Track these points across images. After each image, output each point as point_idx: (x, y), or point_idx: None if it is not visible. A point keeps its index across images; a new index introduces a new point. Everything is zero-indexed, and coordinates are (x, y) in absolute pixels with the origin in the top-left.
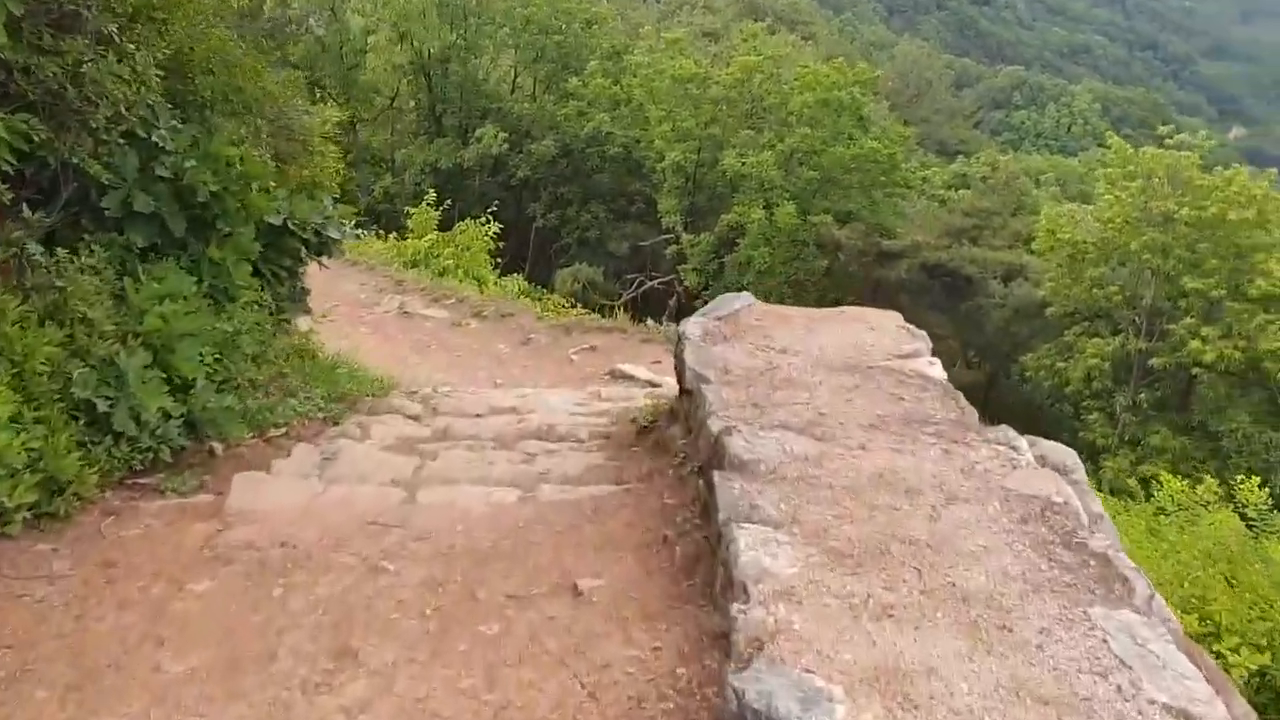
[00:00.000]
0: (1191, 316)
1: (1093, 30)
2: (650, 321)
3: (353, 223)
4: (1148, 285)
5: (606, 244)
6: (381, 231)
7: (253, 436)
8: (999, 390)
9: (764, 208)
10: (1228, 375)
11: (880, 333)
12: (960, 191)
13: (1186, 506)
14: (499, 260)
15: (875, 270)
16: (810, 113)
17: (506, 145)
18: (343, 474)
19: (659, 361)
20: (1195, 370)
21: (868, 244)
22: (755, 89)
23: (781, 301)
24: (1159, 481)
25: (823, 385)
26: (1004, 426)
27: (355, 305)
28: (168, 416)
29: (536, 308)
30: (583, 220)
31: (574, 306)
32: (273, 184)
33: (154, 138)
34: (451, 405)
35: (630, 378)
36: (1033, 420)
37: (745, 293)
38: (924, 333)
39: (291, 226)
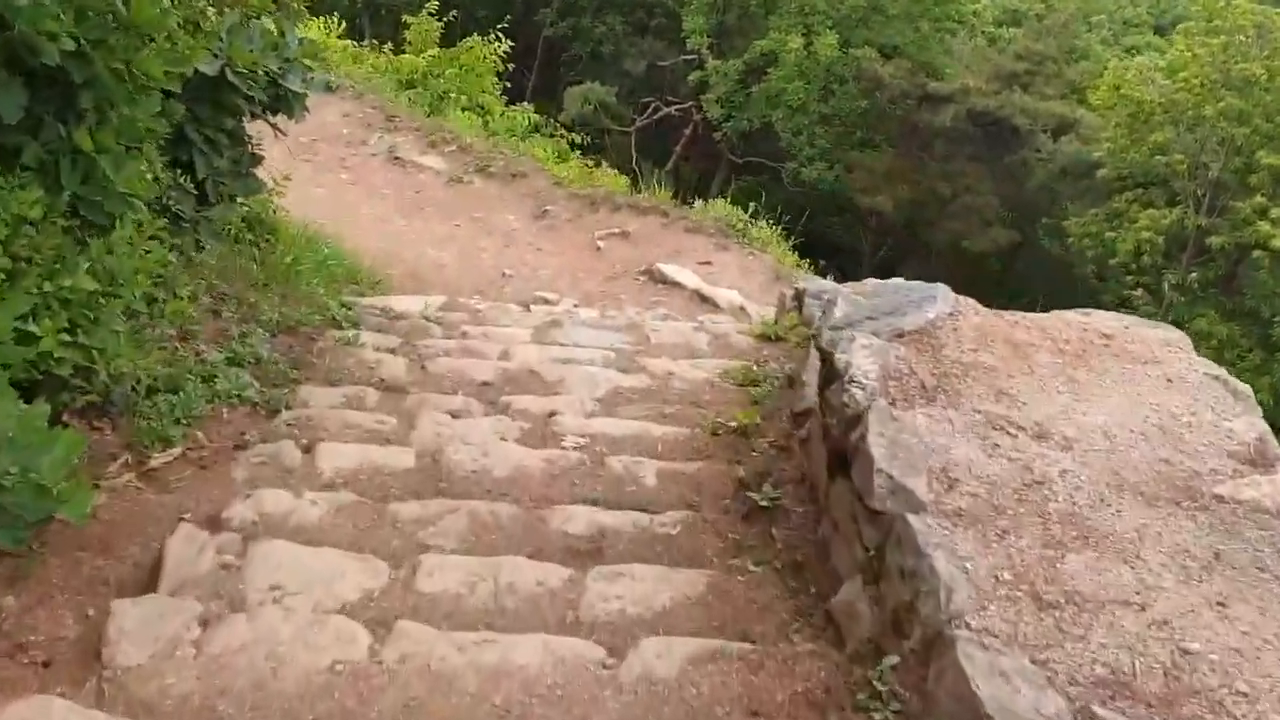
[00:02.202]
0: (1262, 195)
1: None
2: (698, 203)
3: (321, 71)
4: (1216, 155)
5: (621, 61)
6: (374, 42)
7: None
8: (1031, 250)
9: (803, 35)
10: None
11: (1184, 390)
12: (1010, 30)
13: None
14: (506, 76)
15: (916, 114)
16: None
17: None
18: (246, 632)
19: (709, 263)
20: (1257, 254)
21: (912, 84)
22: None
23: (811, 139)
24: None
25: (1144, 542)
26: None
27: (336, 143)
28: None
29: (554, 165)
30: (597, 32)
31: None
32: (209, 10)
33: None
34: (447, 366)
35: (676, 284)
36: (1066, 287)
37: (940, 285)
38: (1248, 390)
39: (232, 77)
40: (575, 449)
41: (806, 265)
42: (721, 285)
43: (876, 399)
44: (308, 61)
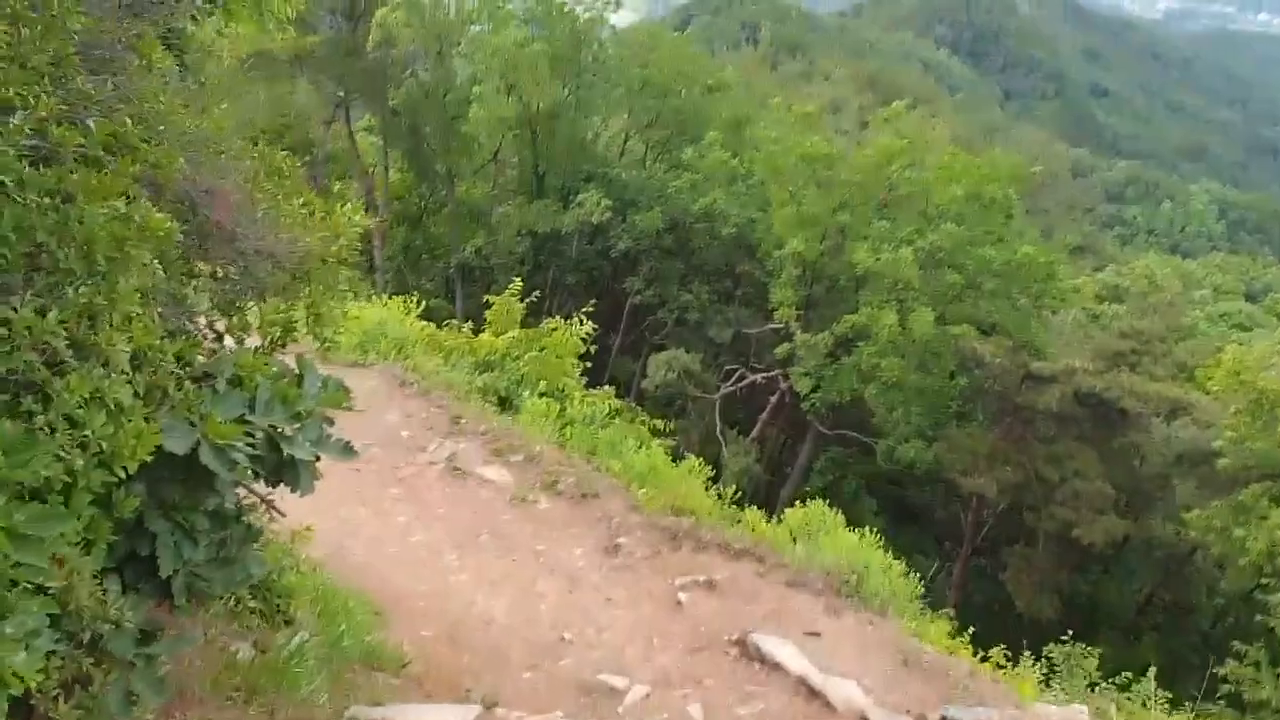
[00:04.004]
0: None
1: (1211, 130)
2: (798, 546)
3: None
4: None
5: (707, 328)
6: (455, 322)
7: None
8: (1146, 542)
9: (896, 311)
10: None
11: None
12: (1112, 306)
13: None
14: (590, 344)
15: (1019, 392)
16: (957, 207)
17: (609, 213)
18: None
19: (817, 634)
20: None
21: (1013, 362)
22: (893, 175)
23: (907, 416)
24: None
25: None
26: None
27: (393, 448)
28: None
29: (629, 478)
30: (683, 300)
31: (667, 432)
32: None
33: None
34: None
35: (776, 666)
36: (1179, 578)
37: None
38: None
39: (208, 457)
40: None
41: (935, 616)
42: (835, 668)
43: None
44: (330, 413)
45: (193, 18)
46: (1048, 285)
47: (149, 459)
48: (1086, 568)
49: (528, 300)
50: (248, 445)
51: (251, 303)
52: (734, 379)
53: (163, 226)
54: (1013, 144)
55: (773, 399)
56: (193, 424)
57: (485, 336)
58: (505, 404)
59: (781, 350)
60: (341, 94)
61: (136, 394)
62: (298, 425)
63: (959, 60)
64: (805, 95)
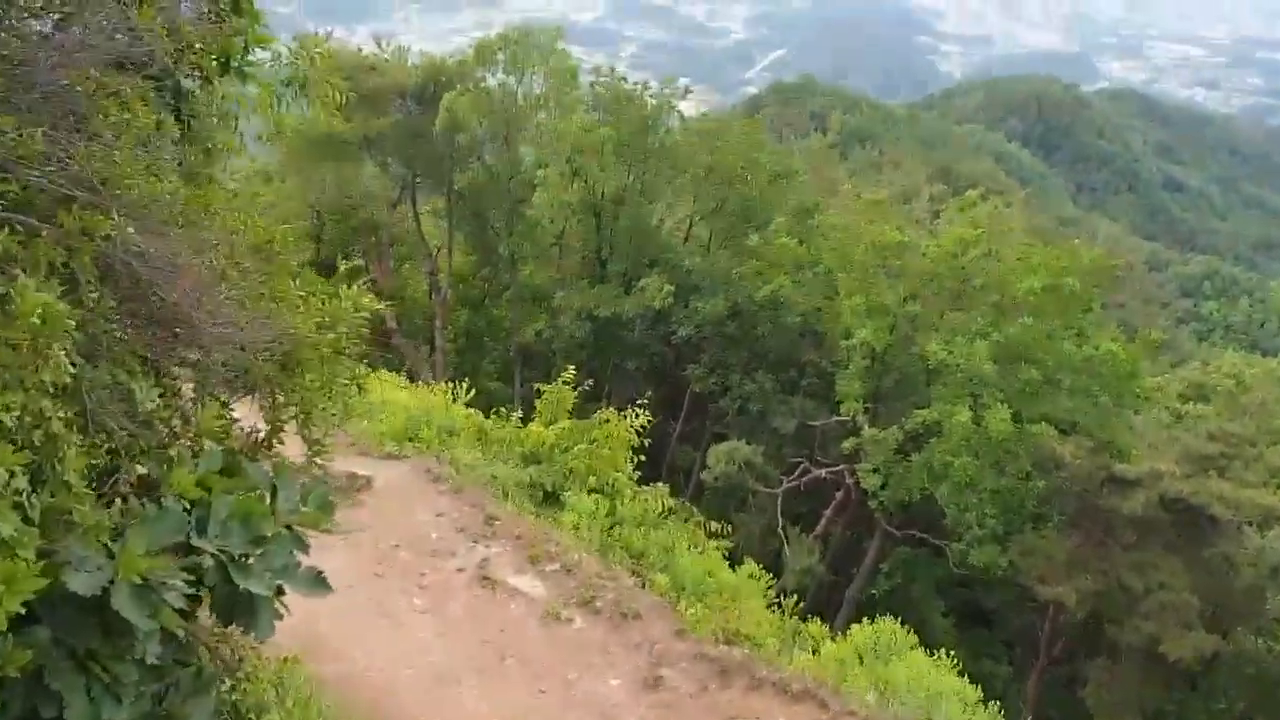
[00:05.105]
0: None
1: None
2: (870, 696)
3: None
4: None
5: (770, 418)
6: (504, 409)
7: None
8: (1237, 659)
9: (970, 407)
10: None
11: None
12: (1197, 405)
13: None
14: (645, 435)
15: (1100, 496)
16: (1035, 300)
17: (671, 299)
18: None
19: None
20: None
21: (1094, 464)
22: (967, 265)
23: (980, 518)
24: None
25: None
26: None
27: (420, 550)
28: None
29: (681, 604)
30: (746, 389)
31: (723, 534)
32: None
33: None
34: None
35: None
36: (1275, 699)
37: None
38: None
39: (122, 600)
40: None
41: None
42: None
43: None
44: (310, 532)
45: (202, 78)
46: (1130, 383)
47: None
48: (1172, 685)
49: (581, 388)
50: (188, 578)
51: (235, 397)
52: (798, 473)
53: (42, 308)
54: (1086, 237)
55: (838, 495)
56: (112, 554)
57: (534, 427)
58: (551, 499)
59: (848, 444)
60: (408, 176)
61: (27, 519)
62: (260, 551)
63: (1030, 153)
64: (875, 184)
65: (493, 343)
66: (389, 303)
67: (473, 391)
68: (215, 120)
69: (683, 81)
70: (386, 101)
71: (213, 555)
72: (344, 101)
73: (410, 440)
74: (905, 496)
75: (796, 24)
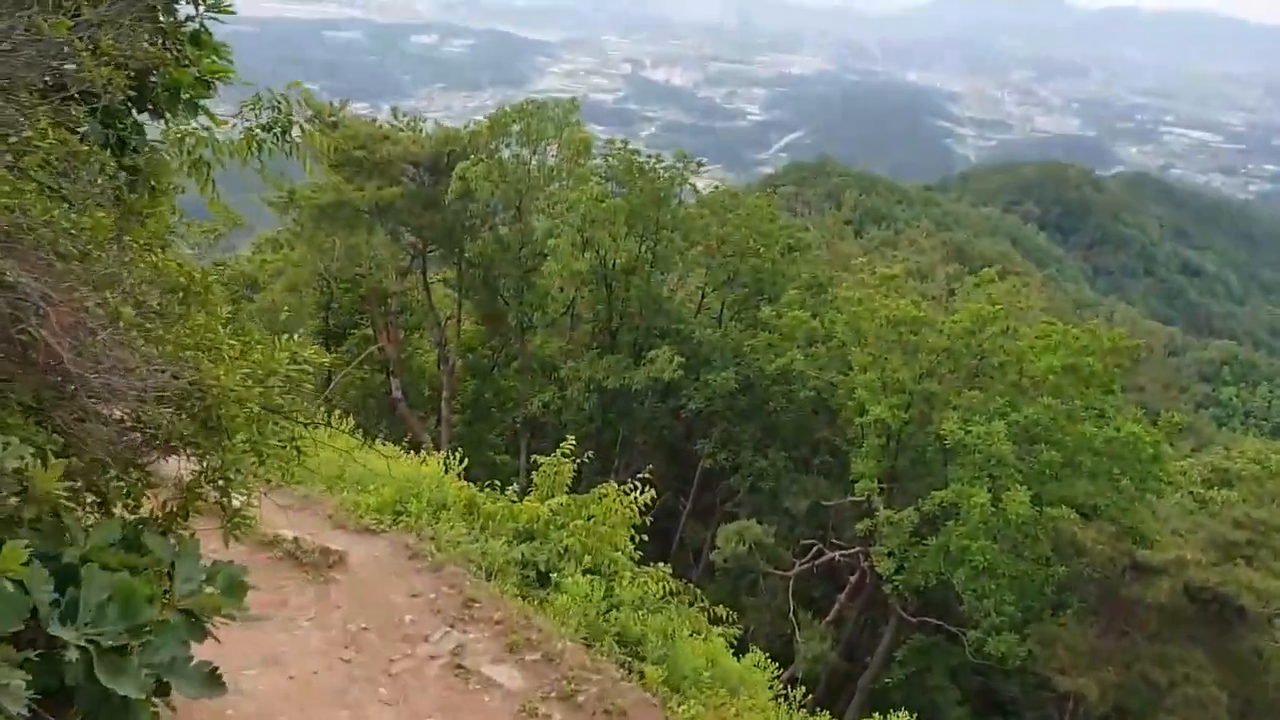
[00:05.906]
0: None
1: None
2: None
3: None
4: None
5: (782, 497)
6: (497, 483)
7: None
8: None
9: (988, 489)
10: None
11: None
12: (1222, 491)
13: None
14: (650, 512)
15: (1123, 584)
16: (1054, 379)
17: (681, 371)
18: None
19: None
20: None
21: (1116, 550)
22: (985, 343)
23: (999, 605)
24: None
25: None
26: None
27: (392, 634)
28: None
29: (673, 701)
30: (758, 466)
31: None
32: None
33: None
34: None
35: None
36: None
37: None
38: None
39: None
40: None
41: None
42: None
43: None
44: (220, 618)
45: (151, 109)
46: (1153, 466)
47: None
48: None
49: (581, 459)
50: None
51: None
52: (811, 555)
53: None
54: (1104, 320)
55: (852, 578)
56: None
57: (529, 501)
58: (544, 580)
59: (862, 526)
60: (419, 244)
61: None
62: (140, 641)
63: (1046, 236)
64: (890, 260)
65: (500, 414)
66: (393, 371)
67: (465, 462)
68: (169, 158)
69: (698, 158)
70: (399, 170)
71: (78, 647)
72: (332, 150)
73: (398, 514)
74: (921, 581)
75: (813, 107)
